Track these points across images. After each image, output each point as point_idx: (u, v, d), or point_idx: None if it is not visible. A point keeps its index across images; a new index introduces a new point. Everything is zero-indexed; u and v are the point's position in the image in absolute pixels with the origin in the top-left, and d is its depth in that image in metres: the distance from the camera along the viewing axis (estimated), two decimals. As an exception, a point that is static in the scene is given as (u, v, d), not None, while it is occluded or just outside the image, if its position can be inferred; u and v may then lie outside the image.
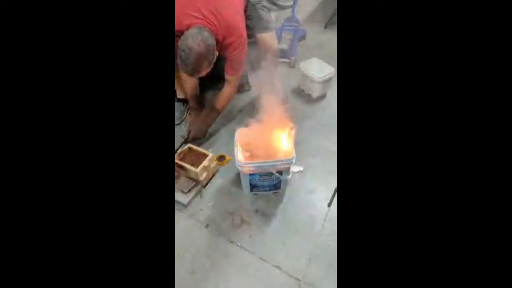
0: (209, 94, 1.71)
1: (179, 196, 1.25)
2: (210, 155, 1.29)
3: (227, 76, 1.37)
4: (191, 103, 1.58)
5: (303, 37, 2.09)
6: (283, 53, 1.89)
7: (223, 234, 1.15)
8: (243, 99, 1.73)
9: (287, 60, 1.93)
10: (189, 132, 1.44)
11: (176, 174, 1.31)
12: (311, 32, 2.17)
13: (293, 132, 1.18)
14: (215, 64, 1.23)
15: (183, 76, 1.41)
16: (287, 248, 1.10)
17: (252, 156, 1.18)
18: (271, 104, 1.17)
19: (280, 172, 1.13)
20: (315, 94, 1.68)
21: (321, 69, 1.65)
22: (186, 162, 1.26)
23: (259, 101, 1.18)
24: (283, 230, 1.15)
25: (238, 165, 1.09)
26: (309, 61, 1.70)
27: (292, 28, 1.95)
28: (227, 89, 1.41)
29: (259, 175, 1.15)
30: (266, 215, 1.20)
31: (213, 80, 1.54)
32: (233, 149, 1.14)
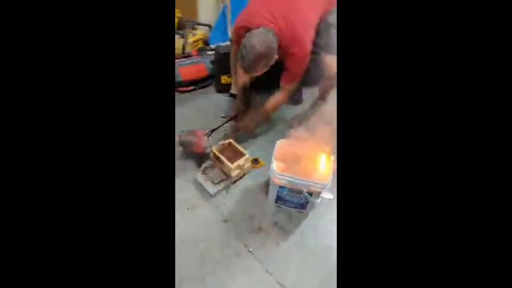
0: (259, 97, 1.75)
1: (207, 186, 1.29)
2: (247, 155, 1.32)
3: (281, 84, 1.39)
4: (237, 99, 1.63)
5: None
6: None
7: (239, 234, 1.17)
8: (292, 111, 1.74)
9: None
10: (238, 128, 1.49)
11: (211, 163, 1.37)
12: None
13: (333, 158, 1.15)
14: (272, 68, 1.25)
15: (239, 71, 1.45)
16: (296, 270, 1.07)
17: (287, 168, 1.18)
18: (319, 124, 1.15)
19: (310, 193, 1.11)
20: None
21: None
22: (223, 156, 1.31)
23: (307, 117, 1.18)
24: (297, 251, 1.13)
25: (271, 173, 1.10)
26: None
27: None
28: (278, 96, 1.43)
29: (289, 190, 1.14)
30: (284, 231, 1.19)
31: (267, 83, 1.58)
32: (268, 155, 1.15)
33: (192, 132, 1.40)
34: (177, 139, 1.39)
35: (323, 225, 1.22)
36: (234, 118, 1.60)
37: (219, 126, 1.55)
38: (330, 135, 1.13)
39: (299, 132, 1.18)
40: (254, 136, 1.55)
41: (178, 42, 2.01)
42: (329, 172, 1.10)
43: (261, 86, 1.70)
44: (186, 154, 1.44)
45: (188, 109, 1.75)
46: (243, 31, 1.25)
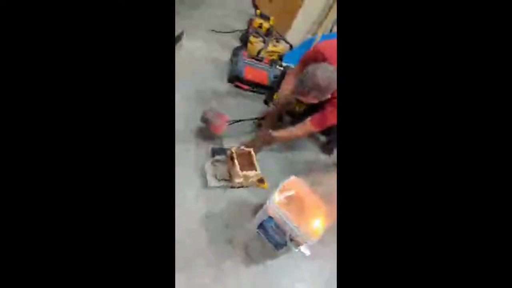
0: (288, 121, 1.78)
1: (209, 177, 1.33)
2: (258, 171, 1.35)
3: (307, 120, 1.37)
4: (271, 109, 1.63)
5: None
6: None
7: (210, 234, 1.18)
8: (321, 157, 1.75)
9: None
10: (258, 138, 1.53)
11: (224, 159, 1.41)
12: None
13: (330, 220, 1.14)
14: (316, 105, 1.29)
15: (288, 88, 1.48)
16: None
17: (286, 205, 1.19)
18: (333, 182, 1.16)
19: (291, 239, 1.11)
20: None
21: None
22: (238, 160, 1.34)
23: (329, 170, 1.18)
24: (252, 281, 1.12)
25: (269, 201, 1.11)
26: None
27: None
28: (295, 130, 1.42)
29: (275, 225, 1.14)
30: (250, 257, 1.19)
31: (303, 114, 1.60)
32: (273, 180, 1.16)
33: (218, 115, 1.45)
34: (202, 114, 1.46)
35: (288, 274, 1.20)
36: (258, 119, 1.63)
37: (242, 120, 1.59)
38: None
39: (315, 177, 1.19)
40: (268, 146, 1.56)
41: (258, 44, 2.12)
42: (320, 232, 1.10)
43: (297, 113, 1.73)
44: (202, 134, 1.50)
45: (233, 101, 1.82)
46: (313, 59, 1.30)
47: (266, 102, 1.92)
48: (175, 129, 1.43)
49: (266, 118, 1.63)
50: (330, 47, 1.30)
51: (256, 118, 1.67)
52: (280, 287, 1.16)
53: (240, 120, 1.60)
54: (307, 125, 1.38)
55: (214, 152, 1.44)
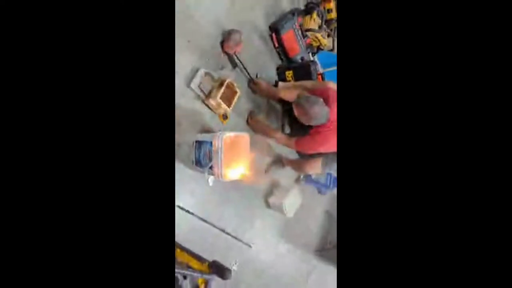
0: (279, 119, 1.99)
1: (197, 79, 1.48)
2: (228, 109, 1.54)
3: (294, 138, 1.62)
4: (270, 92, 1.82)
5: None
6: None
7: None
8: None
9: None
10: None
11: (218, 79, 1.55)
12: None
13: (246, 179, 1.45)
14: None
15: (288, 93, 1.68)
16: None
17: (227, 144, 1.42)
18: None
19: (210, 167, 1.37)
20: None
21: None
22: (224, 90, 1.49)
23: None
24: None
25: (219, 133, 1.34)
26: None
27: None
28: (278, 135, 1.70)
29: (209, 150, 1.38)
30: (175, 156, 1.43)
31: (294, 123, 1.82)
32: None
33: (239, 33, 1.58)
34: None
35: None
36: (253, 82, 1.79)
37: (245, 68, 1.72)
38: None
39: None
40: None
41: (314, 23, 2.18)
42: (230, 178, 1.38)
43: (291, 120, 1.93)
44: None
45: (254, 49, 1.91)
46: (320, 93, 1.52)
47: (277, 69, 2.05)
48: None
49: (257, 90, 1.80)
50: (335, 93, 1.53)
51: (252, 79, 1.78)
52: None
53: (244, 67, 1.71)
54: (291, 142, 1.63)
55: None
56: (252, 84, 1.78)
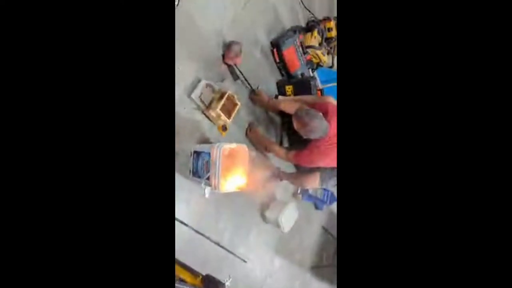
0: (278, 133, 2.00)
1: (198, 90, 1.50)
2: (228, 121, 1.55)
3: (291, 151, 1.63)
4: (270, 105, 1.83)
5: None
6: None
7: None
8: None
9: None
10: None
11: (218, 90, 1.57)
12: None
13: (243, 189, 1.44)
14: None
15: (289, 106, 1.69)
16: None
17: (225, 156, 1.42)
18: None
19: (208, 178, 1.36)
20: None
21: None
22: (224, 101, 1.50)
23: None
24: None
25: (218, 144, 1.34)
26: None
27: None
28: (277, 148, 1.71)
29: (207, 161, 1.37)
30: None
31: (293, 136, 1.83)
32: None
33: (239, 45, 1.61)
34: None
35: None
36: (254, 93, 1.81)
37: (246, 80, 1.74)
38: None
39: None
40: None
41: (314, 41, 2.24)
42: (226, 189, 1.37)
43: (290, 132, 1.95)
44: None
45: (254, 62, 1.95)
46: (319, 106, 1.55)
47: (277, 84, 2.08)
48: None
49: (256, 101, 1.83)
50: (335, 108, 1.55)
51: (253, 90, 1.80)
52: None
53: (245, 79, 1.73)
54: (289, 155, 1.64)
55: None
56: (253, 95, 1.80)
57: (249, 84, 1.78)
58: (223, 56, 1.63)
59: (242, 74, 1.72)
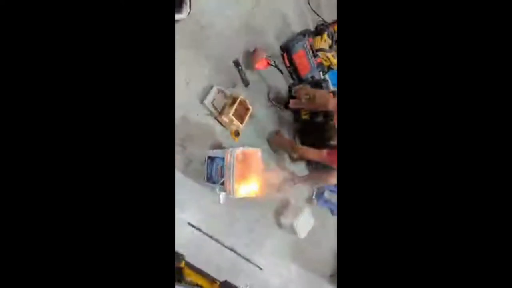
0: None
1: (210, 96, 1.51)
2: (241, 125, 1.55)
3: (324, 151, 1.64)
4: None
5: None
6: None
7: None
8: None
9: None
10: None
11: (230, 95, 1.57)
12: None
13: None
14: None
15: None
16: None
17: (239, 160, 1.41)
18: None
19: (222, 183, 1.36)
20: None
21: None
22: (236, 106, 1.51)
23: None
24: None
25: (232, 148, 1.34)
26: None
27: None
28: (305, 148, 1.75)
29: (221, 166, 1.37)
30: (187, 172, 1.42)
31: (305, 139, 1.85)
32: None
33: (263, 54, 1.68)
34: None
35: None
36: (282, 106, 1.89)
37: (270, 97, 1.83)
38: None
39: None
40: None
41: (324, 44, 2.23)
42: (242, 194, 1.35)
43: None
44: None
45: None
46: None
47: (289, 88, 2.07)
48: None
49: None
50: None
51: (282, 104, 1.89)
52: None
53: (277, 68, 1.79)
54: (321, 153, 1.66)
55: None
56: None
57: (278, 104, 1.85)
58: (236, 63, 1.64)
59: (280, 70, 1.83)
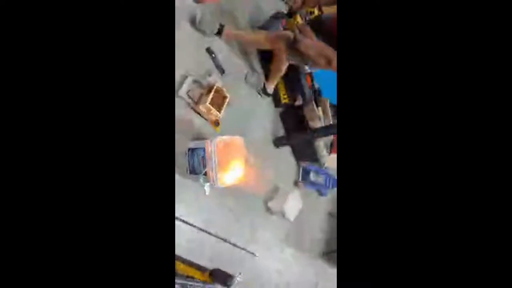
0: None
1: (185, 86, 1.47)
2: (219, 114, 1.52)
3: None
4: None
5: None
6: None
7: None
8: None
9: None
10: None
11: (206, 85, 1.54)
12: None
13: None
14: None
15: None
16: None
17: (220, 148, 1.39)
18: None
19: (205, 174, 1.34)
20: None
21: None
22: (213, 95, 1.48)
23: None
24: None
25: (212, 138, 1.32)
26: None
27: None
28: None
29: (202, 156, 1.35)
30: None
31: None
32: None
33: None
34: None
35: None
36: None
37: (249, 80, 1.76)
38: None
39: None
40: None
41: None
42: (228, 183, 1.35)
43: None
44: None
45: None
46: None
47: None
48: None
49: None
50: None
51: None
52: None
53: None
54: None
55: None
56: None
57: None
58: (209, 50, 1.58)
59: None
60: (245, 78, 1.85)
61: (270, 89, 1.96)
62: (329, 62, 1.54)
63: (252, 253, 1.73)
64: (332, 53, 1.52)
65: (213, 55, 1.66)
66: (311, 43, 1.59)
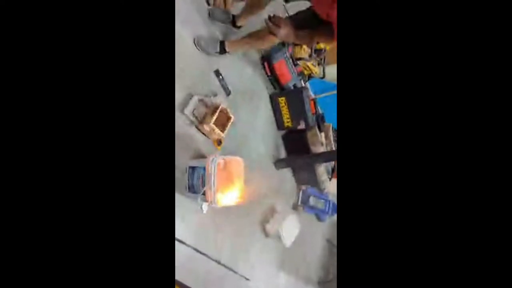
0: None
1: (191, 105, 1.51)
2: (222, 134, 1.55)
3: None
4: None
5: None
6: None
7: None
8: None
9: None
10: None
11: (211, 104, 1.57)
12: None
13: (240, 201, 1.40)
14: None
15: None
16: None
17: (220, 169, 1.40)
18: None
19: (203, 193, 1.34)
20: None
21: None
22: (217, 115, 1.51)
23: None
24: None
25: (212, 157, 1.33)
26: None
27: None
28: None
29: (202, 175, 1.35)
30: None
31: None
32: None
33: None
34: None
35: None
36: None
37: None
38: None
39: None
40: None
41: (304, 53, 2.30)
42: (224, 203, 1.34)
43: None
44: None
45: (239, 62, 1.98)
46: None
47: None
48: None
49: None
50: None
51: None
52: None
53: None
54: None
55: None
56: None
57: None
58: (217, 72, 1.63)
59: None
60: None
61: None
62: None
63: (245, 277, 1.69)
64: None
65: (221, 76, 1.72)
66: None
